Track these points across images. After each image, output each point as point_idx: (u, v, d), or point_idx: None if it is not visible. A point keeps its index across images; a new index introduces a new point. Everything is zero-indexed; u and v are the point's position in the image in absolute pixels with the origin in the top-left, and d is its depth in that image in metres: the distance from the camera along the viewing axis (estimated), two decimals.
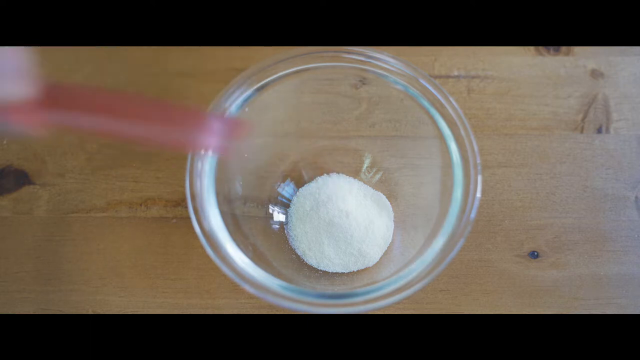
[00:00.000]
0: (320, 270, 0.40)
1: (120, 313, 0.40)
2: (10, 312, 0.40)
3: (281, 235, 0.41)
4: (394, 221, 0.41)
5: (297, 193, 0.42)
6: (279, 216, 0.41)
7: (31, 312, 0.40)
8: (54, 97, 0.24)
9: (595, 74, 0.47)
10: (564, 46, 0.48)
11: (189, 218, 0.33)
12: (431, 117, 0.37)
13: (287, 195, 0.42)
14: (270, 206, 0.41)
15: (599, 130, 0.45)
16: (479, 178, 0.34)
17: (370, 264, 0.40)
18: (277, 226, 0.41)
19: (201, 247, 0.33)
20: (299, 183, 0.42)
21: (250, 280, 0.33)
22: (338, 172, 0.42)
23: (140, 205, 0.43)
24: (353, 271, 0.40)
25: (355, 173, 0.43)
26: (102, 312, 0.40)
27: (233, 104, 0.36)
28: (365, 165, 0.43)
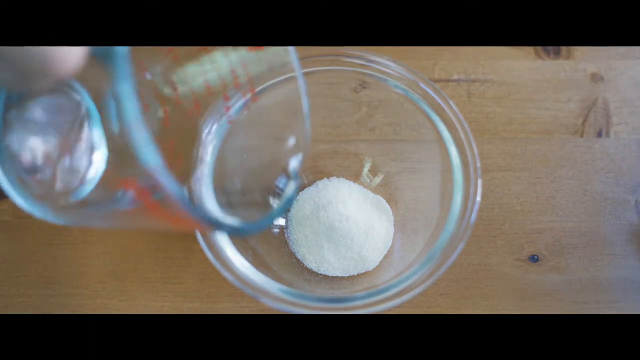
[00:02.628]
0: (320, 274, 0.40)
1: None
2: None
3: (281, 239, 0.41)
4: (394, 225, 0.41)
5: (297, 197, 0.42)
6: (279, 220, 0.41)
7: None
8: None
9: (595, 78, 0.47)
10: (564, 47, 0.48)
11: None
12: (431, 121, 0.37)
13: None
14: None
15: (599, 134, 0.45)
16: (479, 182, 0.34)
17: (370, 268, 0.40)
18: (277, 230, 0.41)
19: (201, 251, 0.33)
20: (299, 187, 0.42)
21: (251, 284, 0.33)
22: (338, 176, 0.43)
23: None
24: (353, 275, 0.40)
25: (355, 177, 0.43)
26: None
27: (232, 108, 0.36)
28: (365, 169, 0.43)
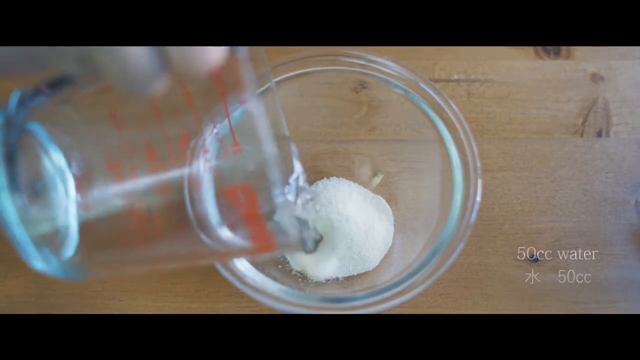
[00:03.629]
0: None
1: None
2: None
3: None
4: (394, 225, 0.41)
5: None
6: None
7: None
8: None
9: (595, 78, 0.47)
10: (564, 47, 0.48)
11: None
12: (431, 121, 0.37)
13: None
14: None
15: (599, 134, 0.45)
16: (479, 182, 0.34)
17: (370, 268, 0.40)
18: None
19: None
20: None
21: (250, 284, 0.33)
22: (338, 176, 0.42)
23: None
24: (353, 275, 0.40)
25: (355, 177, 0.43)
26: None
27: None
28: (365, 169, 0.43)
